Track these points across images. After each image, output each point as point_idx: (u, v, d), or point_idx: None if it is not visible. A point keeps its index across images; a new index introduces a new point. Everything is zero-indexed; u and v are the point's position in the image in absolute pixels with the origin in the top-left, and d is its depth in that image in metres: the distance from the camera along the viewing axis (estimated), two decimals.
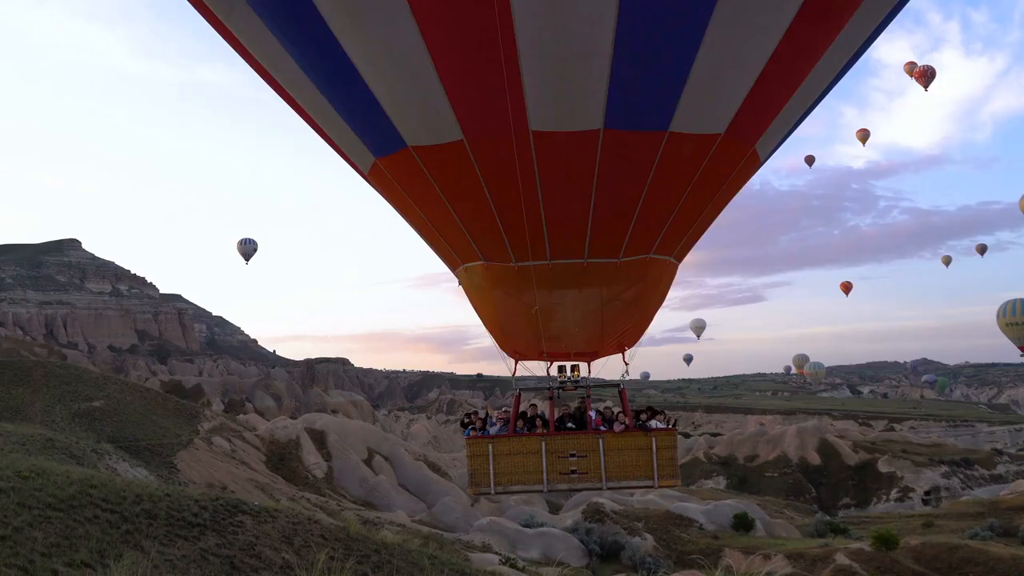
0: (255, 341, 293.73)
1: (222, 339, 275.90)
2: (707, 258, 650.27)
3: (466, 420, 14.30)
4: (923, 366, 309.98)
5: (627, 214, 11.31)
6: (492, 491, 13.36)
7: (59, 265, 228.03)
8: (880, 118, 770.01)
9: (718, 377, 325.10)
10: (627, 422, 13.47)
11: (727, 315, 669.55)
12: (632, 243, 11.64)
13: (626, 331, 13.05)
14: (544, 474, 13.17)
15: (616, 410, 13.93)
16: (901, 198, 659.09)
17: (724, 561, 41.52)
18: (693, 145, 10.61)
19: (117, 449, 46.57)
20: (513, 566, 36.28)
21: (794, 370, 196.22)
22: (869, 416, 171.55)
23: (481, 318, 13.40)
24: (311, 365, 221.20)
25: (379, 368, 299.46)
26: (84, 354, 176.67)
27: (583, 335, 12.91)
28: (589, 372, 13.58)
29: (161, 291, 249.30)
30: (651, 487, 13.43)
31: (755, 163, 11.94)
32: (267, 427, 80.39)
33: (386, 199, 12.55)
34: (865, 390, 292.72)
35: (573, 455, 13.17)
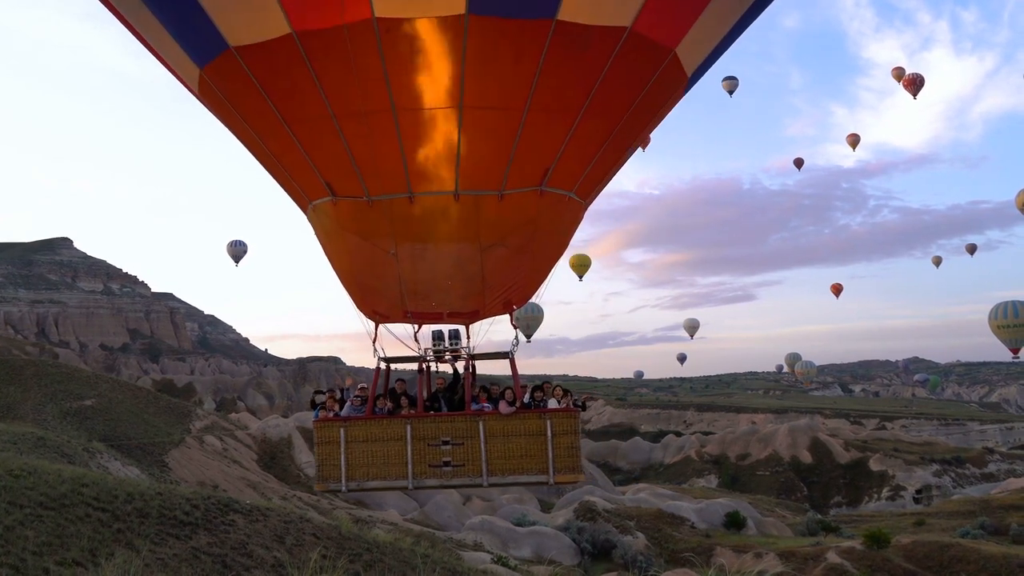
0: (247, 340, 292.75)
1: (214, 338, 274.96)
2: (697, 257, 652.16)
3: (317, 399, 11.64)
4: (914, 365, 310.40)
5: (507, 130, 8.93)
6: (343, 487, 10.91)
7: (50, 264, 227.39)
8: (870, 117, 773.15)
9: (710, 376, 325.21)
10: (517, 401, 10.92)
11: (718, 314, 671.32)
12: (517, 171, 9.29)
13: (514, 286, 10.60)
14: (409, 466, 10.65)
15: (505, 386, 11.30)
16: (891, 197, 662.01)
17: (716, 559, 41.69)
18: (590, 40, 8.51)
19: (109, 448, 46.41)
20: (505, 565, 36.27)
21: (786, 369, 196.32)
22: (860, 415, 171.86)
23: (335, 270, 10.94)
24: (303, 364, 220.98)
25: (371, 367, 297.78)
26: (76, 353, 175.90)
27: (458, 290, 10.48)
28: (469, 338, 11.12)
29: (153, 290, 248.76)
30: (545, 483, 10.98)
31: (679, 77, 9.57)
32: (259, 426, 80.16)
33: (225, 125, 10.42)
34: (857, 389, 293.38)
35: (447, 443, 10.67)
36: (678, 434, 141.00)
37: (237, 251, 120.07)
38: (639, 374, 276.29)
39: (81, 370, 76.33)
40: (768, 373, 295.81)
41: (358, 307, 11.00)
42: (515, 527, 51.00)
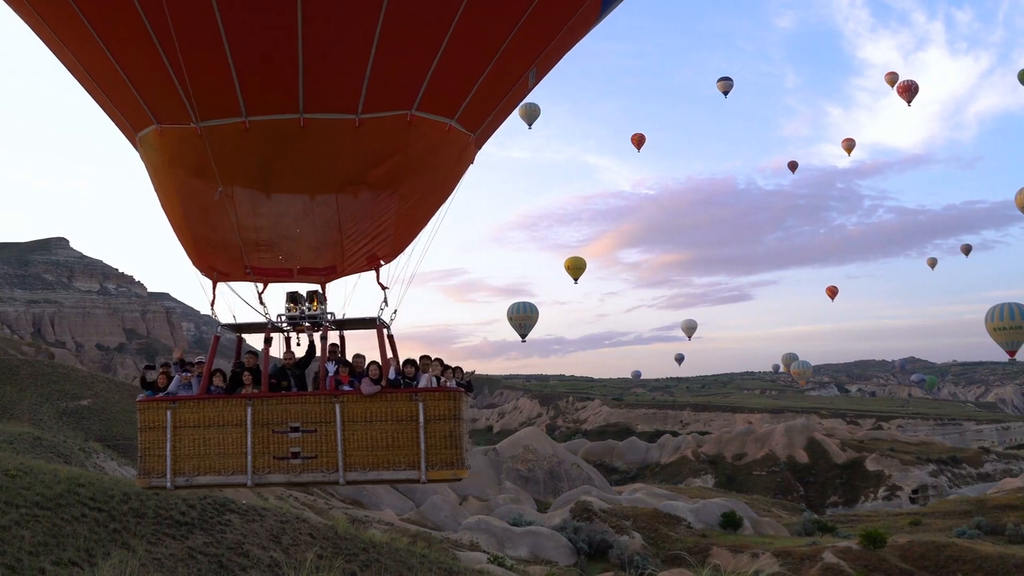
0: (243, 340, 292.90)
1: (210, 337, 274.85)
2: (693, 257, 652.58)
3: (148, 376, 9.63)
4: (911, 365, 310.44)
5: (363, 36, 7.04)
6: (169, 483, 8.87)
7: (47, 264, 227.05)
8: (865, 117, 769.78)
9: (706, 376, 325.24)
10: (383, 379, 9.00)
11: (714, 314, 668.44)
12: (378, 90, 7.44)
13: (379, 236, 8.75)
14: (249, 458, 8.71)
15: (371, 361, 9.24)
16: (886, 197, 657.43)
17: (712, 559, 41.71)
18: None
19: (105, 448, 46.37)
20: (501, 565, 36.29)
21: (782, 368, 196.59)
22: (857, 415, 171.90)
23: (167, 216, 9.21)
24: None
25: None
26: (72, 352, 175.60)
27: (309, 240, 8.74)
28: (325, 300, 9.43)
29: (149, 290, 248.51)
30: (416, 481, 8.94)
31: None
32: None
33: (44, 43, 8.91)
34: (853, 388, 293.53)
35: (296, 429, 8.76)
36: (674, 434, 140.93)
37: None
38: (637, 374, 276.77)
39: (77, 370, 76.29)
40: (764, 373, 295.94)
41: (192, 262, 9.26)
42: (511, 527, 51.00)
